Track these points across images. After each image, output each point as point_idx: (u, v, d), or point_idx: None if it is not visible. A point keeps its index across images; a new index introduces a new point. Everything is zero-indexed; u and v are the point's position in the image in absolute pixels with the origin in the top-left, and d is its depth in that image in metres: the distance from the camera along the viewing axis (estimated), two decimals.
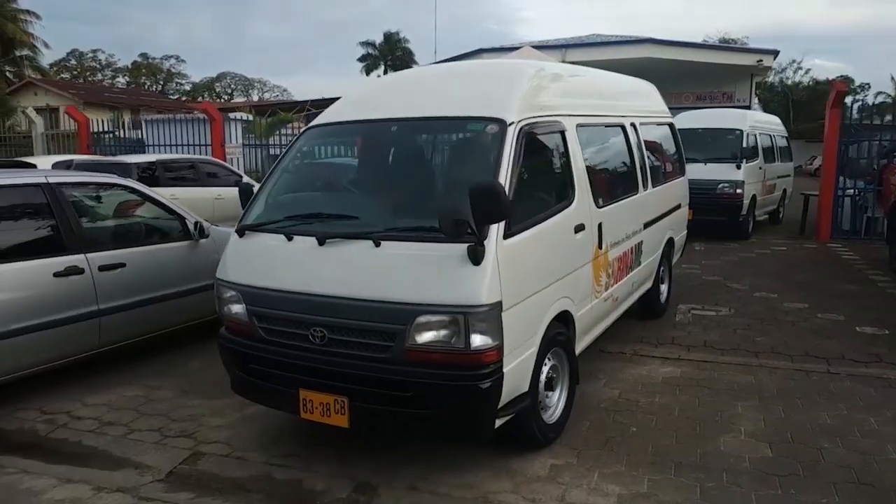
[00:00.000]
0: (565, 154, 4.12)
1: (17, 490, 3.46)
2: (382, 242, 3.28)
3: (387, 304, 3.20)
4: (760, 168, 11.79)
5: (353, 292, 3.27)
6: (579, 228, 4.09)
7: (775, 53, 18.68)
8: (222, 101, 55.19)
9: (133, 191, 5.36)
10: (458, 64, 4.88)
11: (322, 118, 4.33)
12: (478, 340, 3.11)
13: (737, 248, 10.44)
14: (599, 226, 4.37)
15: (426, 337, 3.15)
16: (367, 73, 53.03)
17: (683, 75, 17.81)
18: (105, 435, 4.09)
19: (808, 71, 47.42)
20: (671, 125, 6.78)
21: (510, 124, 3.52)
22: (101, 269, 4.75)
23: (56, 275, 4.50)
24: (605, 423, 4.12)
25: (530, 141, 3.66)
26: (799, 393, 4.55)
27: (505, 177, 3.32)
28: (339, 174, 4.65)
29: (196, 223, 5.50)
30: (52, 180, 4.75)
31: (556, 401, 3.92)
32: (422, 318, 3.14)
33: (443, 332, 3.14)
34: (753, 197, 11.50)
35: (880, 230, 10.83)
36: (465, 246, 3.11)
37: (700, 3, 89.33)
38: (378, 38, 53.08)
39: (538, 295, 3.57)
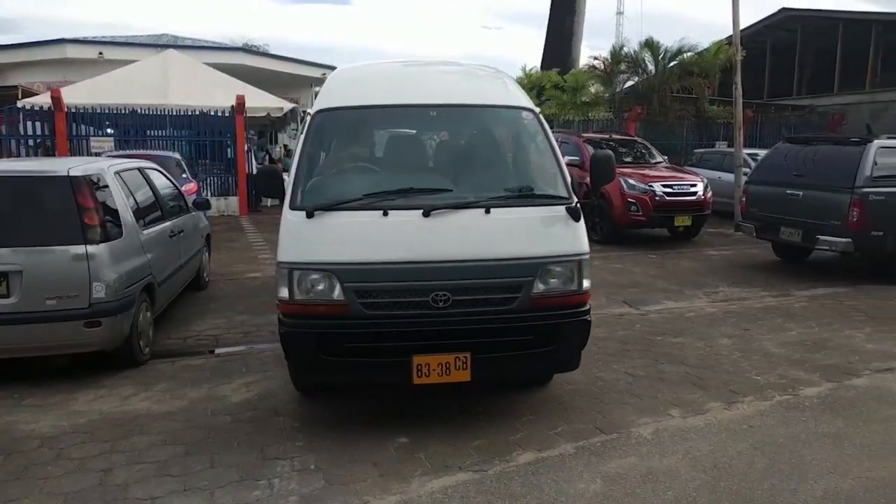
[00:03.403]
0: None
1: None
2: (491, 210, 3.74)
3: (515, 260, 3.67)
4: None
5: (479, 254, 3.65)
6: None
7: (334, 68, 23.29)
8: None
9: (161, 172, 6.58)
10: (443, 62, 5.40)
11: (337, 101, 4.34)
12: (586, 283, 3.79)
13: None
14: None
15: (550, 284, 3.72)
16: None
17: (266, 81, 18.68)
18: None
19: None
20: None
21: (539, 112, 4.38)
22: (178, 233, 6.18)
23: (170, 236, 5.90)
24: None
25: None
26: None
27: (561, 151, 4.18)
28: (385, 154, 4.75)
29: (194, 199, 6.97)
30: (141, 164, 5.99)
31: None
32: (547, 268, 3.70)
33: (562, 279, 3.74)
34: None
35: None
36: (563, 207, 3.82)
37: (218, 8, 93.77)
38: None
39: None
